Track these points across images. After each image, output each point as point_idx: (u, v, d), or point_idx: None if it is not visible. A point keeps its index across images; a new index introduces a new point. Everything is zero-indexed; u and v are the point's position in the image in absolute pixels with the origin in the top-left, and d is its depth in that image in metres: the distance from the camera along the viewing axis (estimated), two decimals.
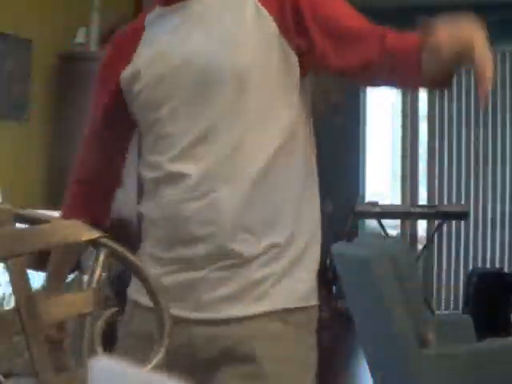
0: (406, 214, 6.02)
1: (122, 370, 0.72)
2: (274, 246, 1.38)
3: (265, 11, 1.40)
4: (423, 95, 6.51)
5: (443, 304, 6.38)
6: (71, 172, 1.79)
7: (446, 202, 6.34)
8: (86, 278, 1.97)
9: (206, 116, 1.39)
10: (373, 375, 3.44)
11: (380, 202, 6.00)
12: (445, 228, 6.25)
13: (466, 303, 5.91)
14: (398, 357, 2.94)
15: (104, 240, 1.82)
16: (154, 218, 1.51)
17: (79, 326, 1.85)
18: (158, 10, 1.50)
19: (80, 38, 3.80)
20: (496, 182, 6.28)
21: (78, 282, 2.78)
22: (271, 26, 1.40)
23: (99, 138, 1.69)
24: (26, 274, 1.72)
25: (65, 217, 1.57)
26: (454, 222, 6.27)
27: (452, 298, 6.38)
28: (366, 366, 3.50)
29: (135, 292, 1.51)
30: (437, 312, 6.15)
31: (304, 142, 1.46)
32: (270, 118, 1.40)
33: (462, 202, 6.25)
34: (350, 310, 3.47)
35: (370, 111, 6.89)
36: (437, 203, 6.25)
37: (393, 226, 7.14)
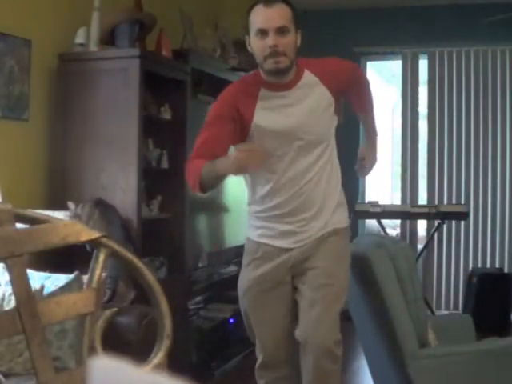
0: (406, 213, 6.01)
1: (122, 370, 0.72)
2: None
3: (325, 89, 2.56)
4: (423, 95, 6.51)
5: (443, 304, 6.38)
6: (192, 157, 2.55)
7: (445, 202, 6.33)
8: (85, 278, 1.97)
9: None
10: (373, 375, 3.44)
11: (380, 202, 6.00)
12: (445, 228, 6.25)
13: (465, 303, 5.91)
14: (398, 357, 2.94)
15: (104, 240, 1.82)
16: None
17: (79, 325, 1.85)
18: (266, 91, 2.54)
19: (80, 38, 3.80)
20: (496, 182, 6.28)
21: (77, 282, 2.78)
22: (330, 97, 2.58)
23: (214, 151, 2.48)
24: (26, 274, 1.72)
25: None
26: (454, 222, 6.27)
27: (452, 298, 6.38)
28: (366, 366, 3.50)
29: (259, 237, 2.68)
30: (437, 312, 6.15)
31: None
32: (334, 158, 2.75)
33: (462, 202, 6.24)
34: (350, 310, 3.46)
35: None
36: (437, 203, 6.25)
37: (393, 226, 7.14)
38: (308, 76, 2.56)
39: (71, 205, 3.47)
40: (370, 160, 2.88)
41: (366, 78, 2.90)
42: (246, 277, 2.71)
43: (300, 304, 2.64)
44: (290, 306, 2.68)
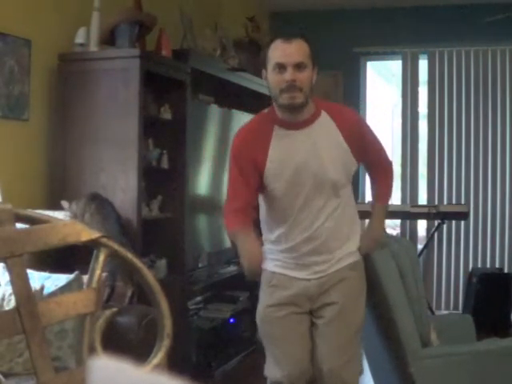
0: (406, 213, 6.01)
1: (122, 370, 0.72)
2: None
3: (341, 135, 2.56)
4: (423, 95, 6.51)
5: (443, 304, 6.38)
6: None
7: (446, 202, 6.33)
8: (86, 278, 1.97)
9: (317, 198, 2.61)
10: (373, 374, 3.44)
11: None
12: (445, 228, 6.25)
13: (465, 303, 5.91)
14: (398, 356, 2.93)
15: (104, 240, 1.82)
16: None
17: (79, 325, 1.85)
18: (280, 130, 2.57)
19: (80, 38, 3.80)
20: (496, 182, 6.28)
21: (77, 282, 2.78)
22: (345, 144, 2.57)
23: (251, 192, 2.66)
24: (26, 274, 1.72)
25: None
26: (454, 222, 6.27)
27: (452, 298, 6.38)
28: (367, 366, 3.49)
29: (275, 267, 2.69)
30: (437, 312, 6.15)
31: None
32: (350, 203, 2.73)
33: (462, 202, 6.24)
34: None
35: (370, 111, 6.89)
36: (437, 203, 6.25)
37: (393, 226, 7.14)
38: (325, 118, 2.58)
39: (65, 204, 3.47)
40: (365, 248, 2.78)
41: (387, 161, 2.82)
42: (263, 304, 2.70)
43: (318, 339, 2.65)
44: (308, 336, 2.67)
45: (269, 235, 2.70)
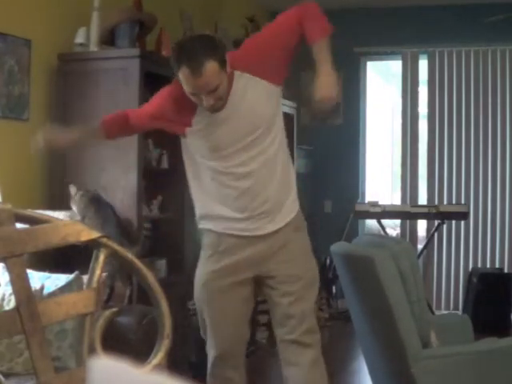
0: (406, 213, 6.01)
1: (122, 370, 0.72)
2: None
3: (259, 79, 2.46)
4: (423, 95, 6.51)
5: (443, 304, 6.38)
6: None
7: (445, 202, 6.33)
8: (86, 278, 1.97)
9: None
10: (372, 375, 3.44)
11: (380, 202, 5.99)
12: (445, 228, 6.25)
13: (465, 303, 5.91)
14: (398, 357, 2.93)
15: (104, 240, 1.83)
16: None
17: (79, 325, 1.85)
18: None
19: (80, 38, 3.80)
20: (496, 182, 6.28)
21: (77, 282, 2.78)
22: (268, 84, 2.48)
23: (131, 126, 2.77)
24: (25, 274, 1.72)
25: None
26: (454, 222, 6.27)
27: (452, 298, 6.38)
28: (366, 367, 3.50)
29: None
30: (437, 312, 6.15)
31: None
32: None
33: (462, 202, 6.24)
34: (350, 311, 3.46)
35: (370, 111, 6.89)
36: (437, 203, 6.25)
37: (393, 226, 7.14)
38: (238, 78, 2.46)
39: (73, 189, 3.47)
40: (325, 86, 2.34)
41: (304, 8, 2.48)
42: (208, 269, 2.70)
43: (276, 310, 2.62)
44: (249, 302, 2.69)
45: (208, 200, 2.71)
